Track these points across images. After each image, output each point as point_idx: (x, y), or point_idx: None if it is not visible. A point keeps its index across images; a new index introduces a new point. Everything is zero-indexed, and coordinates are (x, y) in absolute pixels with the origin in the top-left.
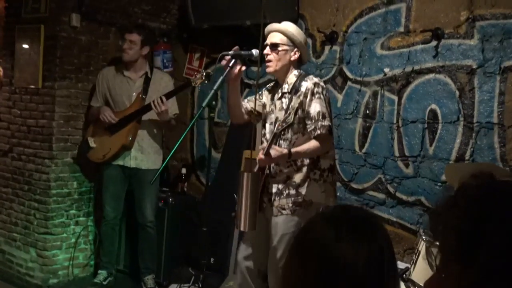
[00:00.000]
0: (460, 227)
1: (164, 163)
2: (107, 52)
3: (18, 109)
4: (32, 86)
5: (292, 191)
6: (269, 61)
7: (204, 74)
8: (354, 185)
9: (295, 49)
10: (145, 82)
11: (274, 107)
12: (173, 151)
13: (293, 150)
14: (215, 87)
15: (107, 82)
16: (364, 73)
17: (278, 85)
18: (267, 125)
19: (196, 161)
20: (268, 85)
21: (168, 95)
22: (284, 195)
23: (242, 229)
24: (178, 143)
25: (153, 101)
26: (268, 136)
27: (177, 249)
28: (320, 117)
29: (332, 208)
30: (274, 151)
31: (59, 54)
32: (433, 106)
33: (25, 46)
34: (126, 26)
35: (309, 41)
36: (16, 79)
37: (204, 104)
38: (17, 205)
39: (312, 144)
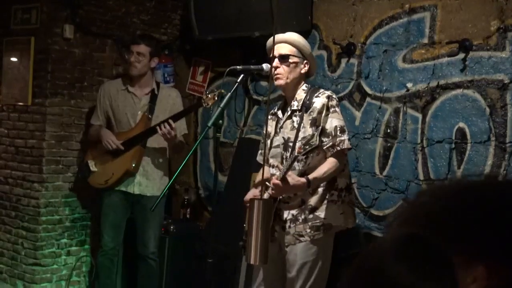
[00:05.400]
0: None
1: (166, 188)
2: (102, 66)
3: (5, 128)
4: (21, 103)
5: (309, 216)
6: (279, 74)
7: (216, 93)
8: (374, 212)
9: (305, 61)
10: (151, 99)
11: (282, 128)
12: (175, 175)
13: (312, 177)
14: (221, 105)
15: (109, 98)
16: (384, 88)
17: (285, 102)
18: (273, 148)
19: (200, 184)
20: (272, 110)
21: (176, 117)
22: (300, 220)
23: (252, 262)
24: (181, 166)
25: (160, 126)
26: (272, 160)
27: (179, 282)
28: (338, 132)
29: (404, 238)
30: (291, 179)
31: (51, 69)
32: (461, 124)
33: (14, 59)
34: (129, 36)
35: (324, 53)
36: (3, 95)
37: (209, 123)
38: (3, 233)
39: (330, 164)
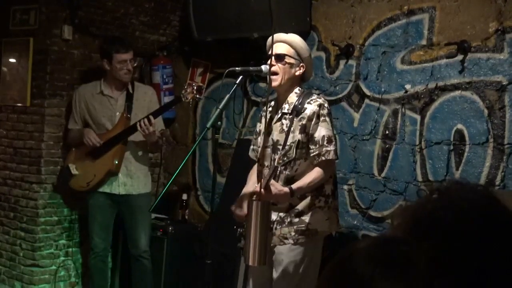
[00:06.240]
0: None
1: (165, 189)
2: (101, 67)
3: (4, 129)
4: (20, 104)
5: (295, 219)
6: (275, 73)
7: (195, 88)
8: (372, 213)
9: (301, 64)
10: (127, 99)
11: (272, 129)
12: (174, 176)
13: (295, 187)
14: (220, 106)
15: (85, 102)
16: (383, 90)
17: (277, 103)
18: (263, 148)
19: (198, 186)
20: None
21: (156, 113)
22: (286, 223)
23: (251, 263)
24: (180, 167)
25: (140, 122)
26: (264, 162)
27: (178, 283)
28: (325, 142)
29: (381, 241)
30: (273, 188)
31: (50, 70)
32: (460, 126)
33: (12, 60)
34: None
35: (323, 55)
36: (2, 96)
37: (208, 124)
38: (2, 234)
39: (315, 174)
